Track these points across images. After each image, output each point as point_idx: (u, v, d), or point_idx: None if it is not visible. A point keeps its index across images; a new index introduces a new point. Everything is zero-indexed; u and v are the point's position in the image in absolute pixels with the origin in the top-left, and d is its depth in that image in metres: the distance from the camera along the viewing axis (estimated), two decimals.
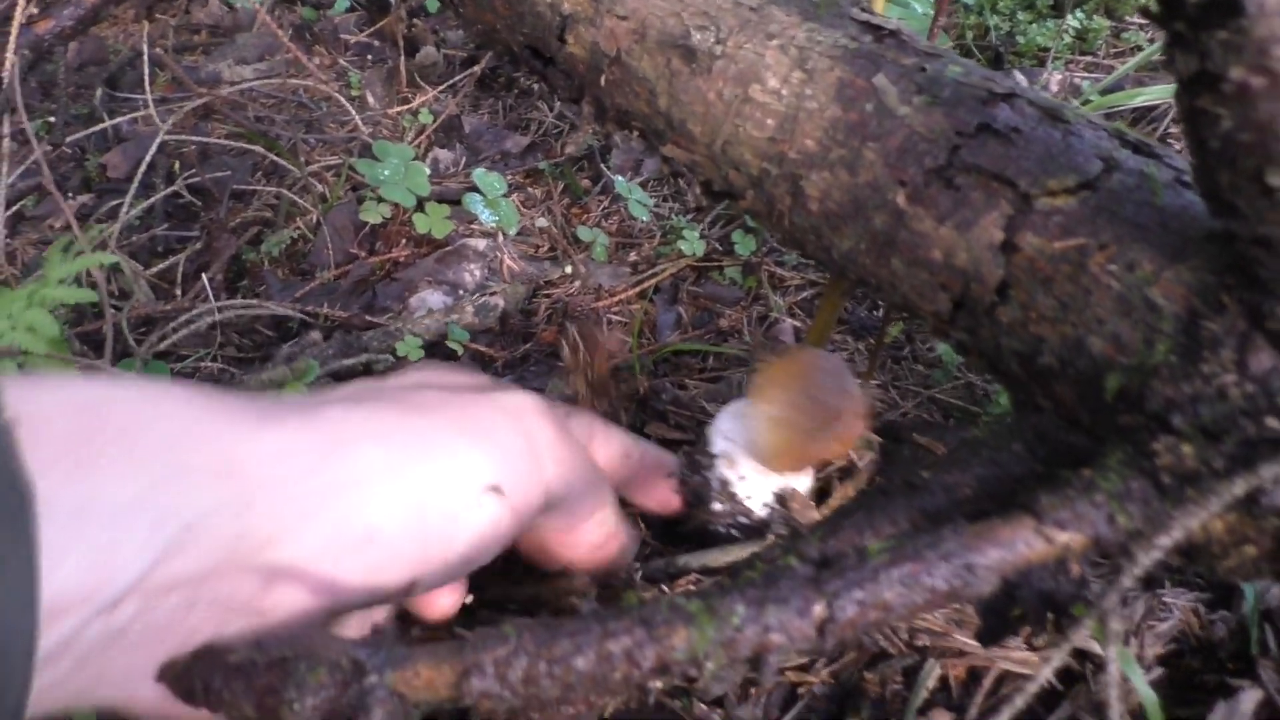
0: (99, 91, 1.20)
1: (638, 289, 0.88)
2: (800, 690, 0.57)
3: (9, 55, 0.74)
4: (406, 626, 0.55)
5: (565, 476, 0.50)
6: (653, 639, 0.36)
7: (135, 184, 0.95)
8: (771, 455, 0.58)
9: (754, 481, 0.61)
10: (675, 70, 0.56)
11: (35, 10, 0.83)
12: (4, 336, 0.73)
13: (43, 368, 0.74)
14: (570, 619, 0.38)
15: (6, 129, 0.77)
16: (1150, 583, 0.60)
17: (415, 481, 0.43)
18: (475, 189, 0.92)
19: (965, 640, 0.58)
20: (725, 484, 0.62)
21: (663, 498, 0.63)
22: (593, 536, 0.55)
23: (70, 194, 1.08)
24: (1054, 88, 1.04)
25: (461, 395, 0.49)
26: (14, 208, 1.06)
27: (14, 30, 0.72)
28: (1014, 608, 0.43)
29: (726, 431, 0.62)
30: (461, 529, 0.44)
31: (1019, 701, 0.41)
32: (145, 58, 0.98)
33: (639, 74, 0.58)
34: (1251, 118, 0.33)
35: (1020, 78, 0.50)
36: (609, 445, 0.60)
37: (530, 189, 1.06)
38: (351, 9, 1.35)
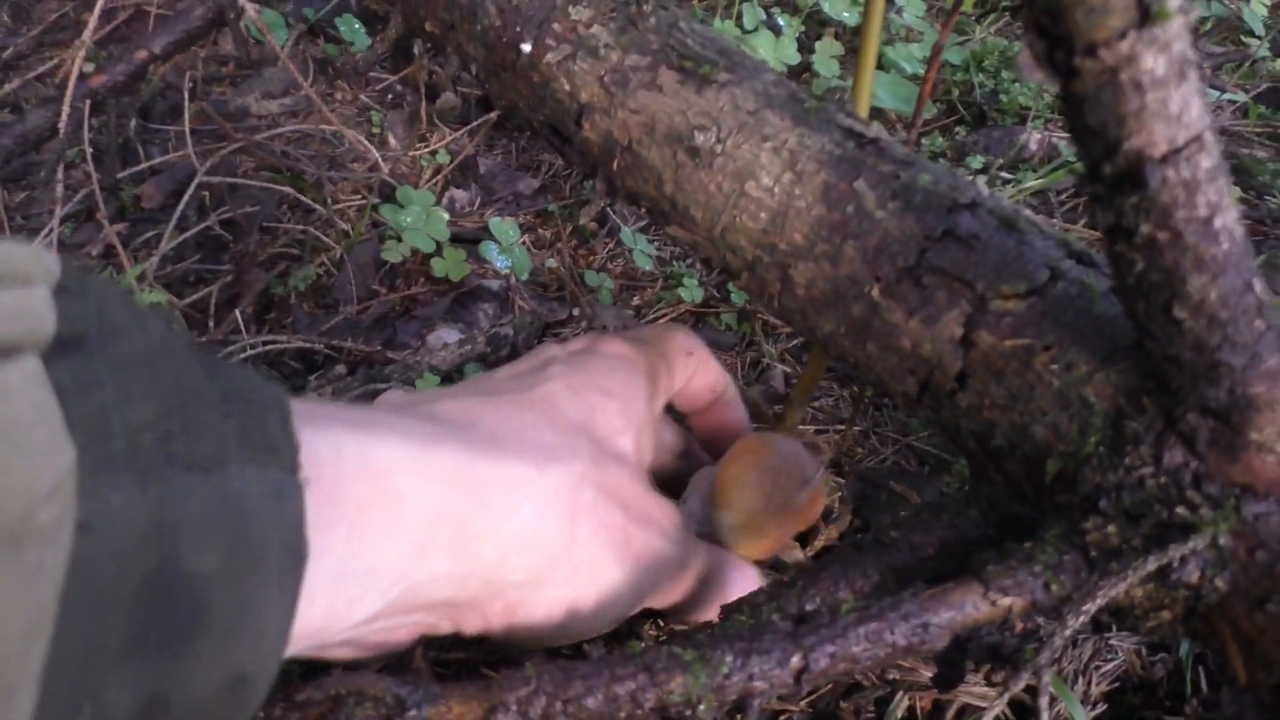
0: (132, 122, 1.26)
1: None
2: (781, 718, 0.64)
3: (64, 107, 0.80)
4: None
5: (662, 596, 0.58)
6: (654, 683, 0.43)
7: (175, 217, 1.02)
8: (744, 554, 0.65)
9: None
10: (680, 162, 0.63)
11: (90, 66, 0.89)
12: None
13: None
14: (582, 663, 0.45)
15: (61, 175, 0.84)
16: (1099, 627, 0.67)
17: (574, 600, 0.51)
18: (490, 235, 0.99)
19: (930, 675, 0.65)
20: None
21: (720, 434, 0.71)
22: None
23: (106, 223, 1.15)
24: (1033, 146, 1.11)
25: (635, 534, 0.54)
26: (50, 234, 1.12)
27: (70, 84, 0.79)
28: (965, 657, 0.50)
29: (699, 517, 0.67)
30: (580, 635, 0.54)
31: None
32: (185, 95, 1.05)
33: (648, 162, 0.64)
34: (1159, 263, 0.40)
35: (983, 187, 0.57)
36: (706, 374, 0.68)
37: (540, 230, 1.12)
38: (372, 46, 1.41)
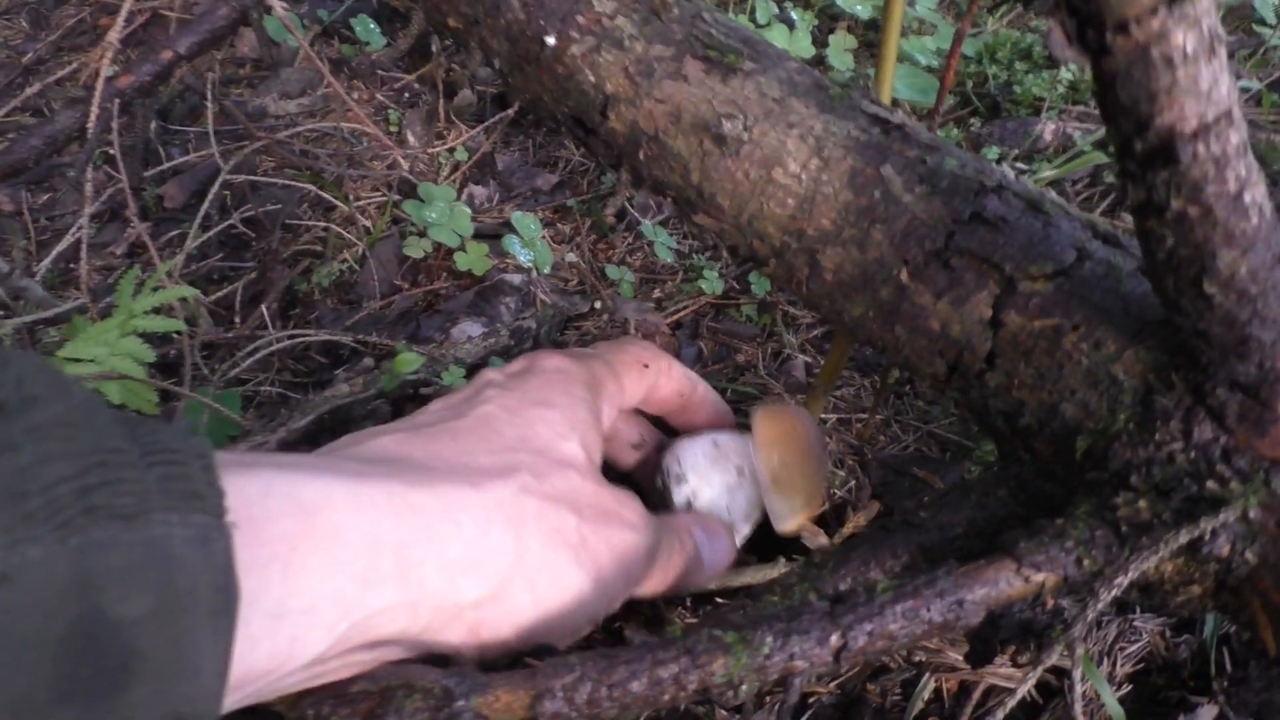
0: (153, 124, 1.28)
1: (666, 321, 0.96)
2: (810, 700, 0.65)
3: (93, 108, 0.81)
4: None
5: (641, 584, 0.58)
6: (696, 665, 0.44)
7: (200, 216, 1.03)
8: (785, 517, 0.66)
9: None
10: (707, 151, 0.63)
11: (117, 67, 0.90)
12: (106, 362, 0.81)
13: (135, 390, 0.82)
14: (625, 648, 0.46)
15: (90, 175, 0.85)
16: (1123, 608, 0.68)
17: (540, 609, 0.50)
18: (512, 228, 0.99)
19: (956, 657, 0.65)
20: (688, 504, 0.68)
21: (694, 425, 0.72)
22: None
23: (130, 223, 1.16)
24: (1048, 137, 1.12)
25: (591, 532, 0.53)
26: (79, 233, 1.14)
27: (99, 84, 0.80)
28: (998, 634, 0.51)
29: (703, 472, 0.68)
30: (558, 641, 0.52)
31: (1001, 713, 0.48)
32: (206, 96, 1.06)
33: (674, 151, 0.65)
34: (1189, 238, 0.40)
35: (1008, 170, 0.57)
36: (670, 382, 0.69)
37: (559, 225, 1.13)
38: (388, 45, 1.42)
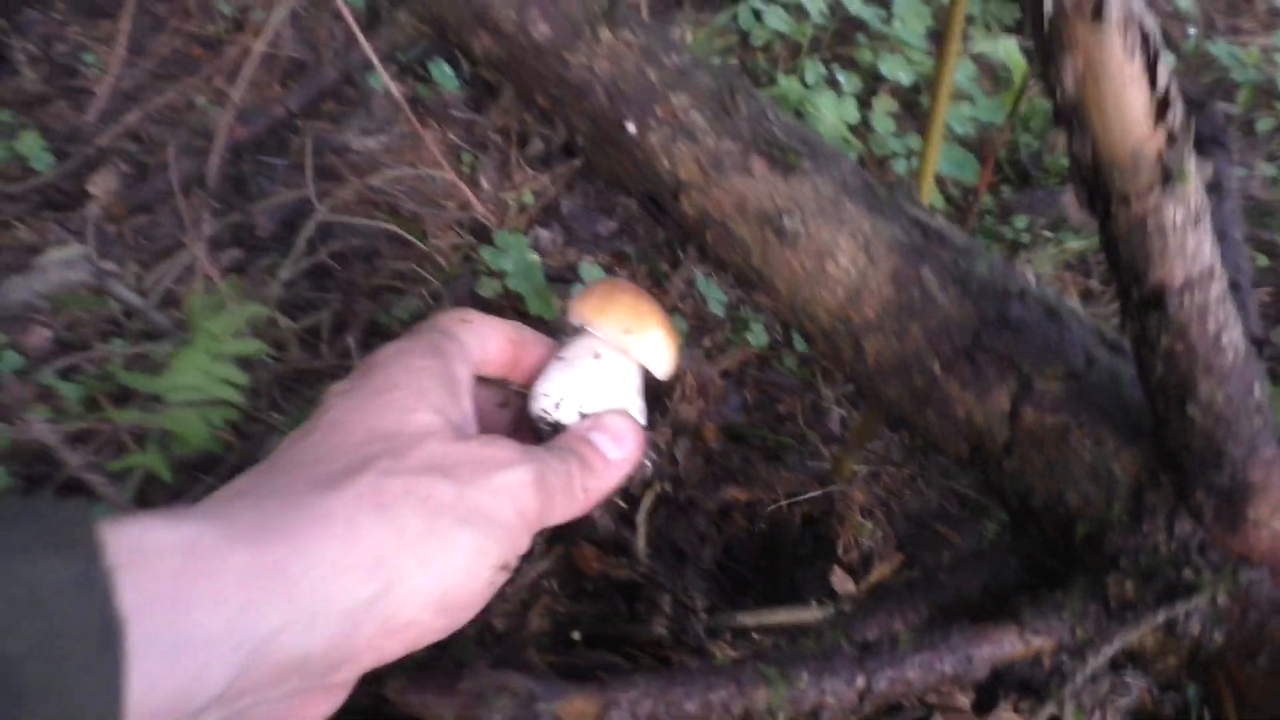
0: (246, 157, 1.38)
1: (715, 370, 1.05)
2: None
3: (215, 157, 0.91)
4: None
5: (545, 512, 0.56)
6: (742, 693, 0.52)
7: (295, 250, 1.13)
8: (657, 357, 0.66)
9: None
10: (768, 240, 0.72)
11: (235, 122, 1.00)
12: (205, 389, 0.91)
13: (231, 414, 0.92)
14: (682, 672, 0.55)
15: (207, 218, 0.95)
16: (1115, 666, 0.75)
17: (442, 578, 0.50)
18: (578, 277, 1.09)
19: (964, 702, 0.73)
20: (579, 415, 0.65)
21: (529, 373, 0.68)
22: (586, 497, 0.60)
23: (221, 249, 1.26)
24: (1074, 212, 1.19)
25: (466, 486, 0.53)
26: (194, 263, 1.24)
27: (220, 138, 0.90)
28: (1001, 686, 0.59)
29: (566, 380, 0.66)
30: (477, 599, 0.53)
31: None
32: (304, 138, 1.16)
33: (738, 237, 0.74)
34: (1176, 370, 0.49)
35: (1031, 276, 0.65)
36: (494, 328, 0.65)
37: (618, 269, 1.22)
38: (461, 87, 1.52)
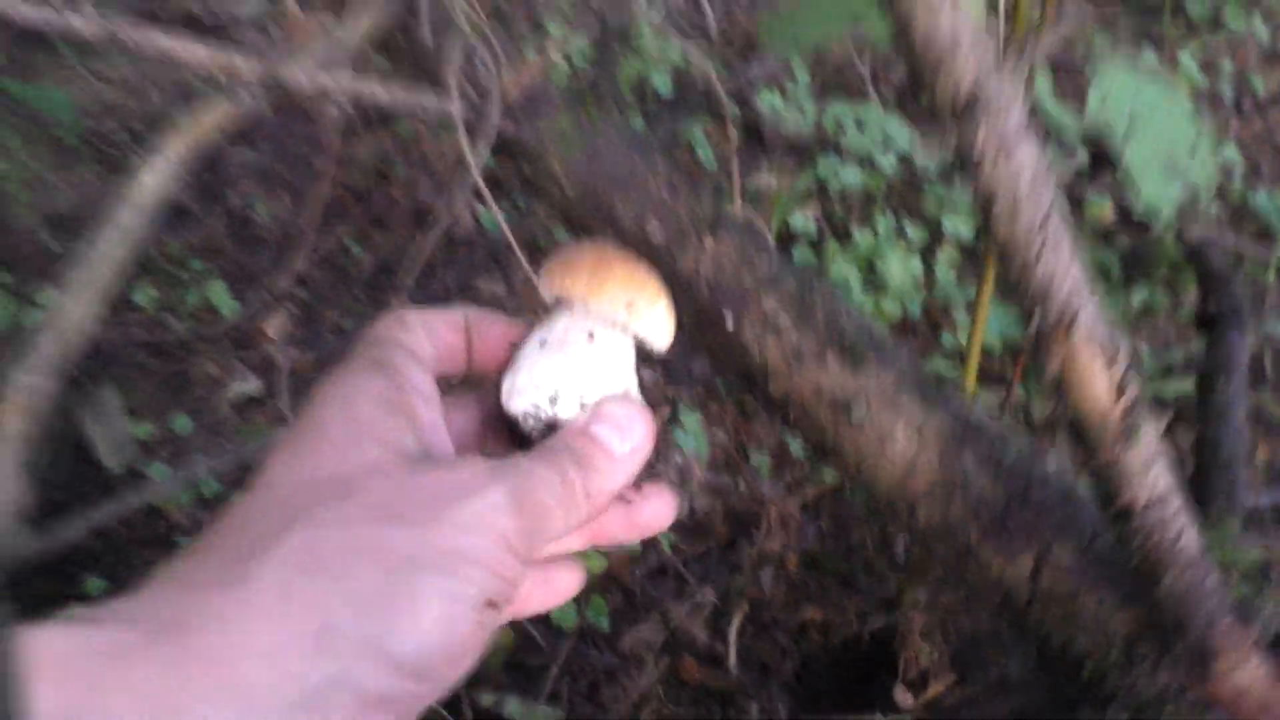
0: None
1: (795, 503, 1.23)
2: None
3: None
4: None
5: (537, 530, 0.50)
6: None
7: None
8: (656, 327, 0.64)
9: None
10: (839, 420, 0.91)
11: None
12: None
13: None
14: None
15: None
16: None
17: (414, 638, 0.44)
18: (679, 421, 1.28)
19: None
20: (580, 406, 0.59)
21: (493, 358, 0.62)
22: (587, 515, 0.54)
23: None
24: None
25: (426, 527, 0.46)
26: None
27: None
28: None
29: (553, 370, 0.58)
30: (466, 648, 0.47)
31: None
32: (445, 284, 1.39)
33: (815, 417, 0.93)
34: (1146, 560, 0.65)
35: (1053, 463, 0.82)
36: (439, 316, 0.60)
37: (709, 404, 1.42)
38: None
